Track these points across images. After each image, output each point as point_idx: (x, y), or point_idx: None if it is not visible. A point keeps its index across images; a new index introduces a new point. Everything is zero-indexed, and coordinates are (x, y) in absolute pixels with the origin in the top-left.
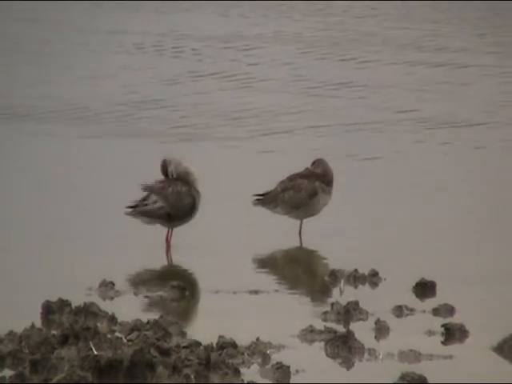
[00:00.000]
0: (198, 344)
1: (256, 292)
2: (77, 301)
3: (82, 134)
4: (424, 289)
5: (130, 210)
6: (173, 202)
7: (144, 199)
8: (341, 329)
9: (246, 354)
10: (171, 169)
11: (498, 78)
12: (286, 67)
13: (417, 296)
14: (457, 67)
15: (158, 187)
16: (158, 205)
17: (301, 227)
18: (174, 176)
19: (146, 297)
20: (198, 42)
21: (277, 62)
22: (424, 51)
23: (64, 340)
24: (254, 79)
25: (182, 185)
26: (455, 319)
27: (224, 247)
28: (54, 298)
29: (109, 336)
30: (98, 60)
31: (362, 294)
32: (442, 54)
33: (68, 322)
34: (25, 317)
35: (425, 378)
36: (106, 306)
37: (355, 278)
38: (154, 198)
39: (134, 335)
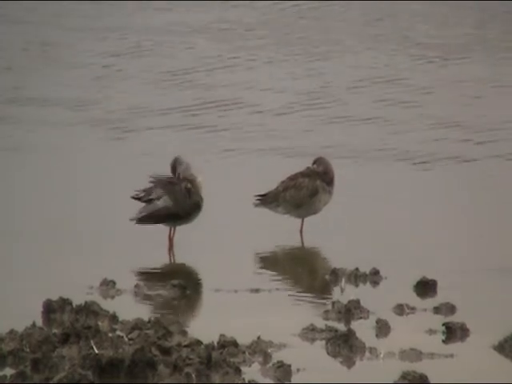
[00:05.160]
0: (199, 343)
1: (257, 290)
2: (78, 299)
3: (83, 132)
4: (425, 287)
5: (135, 217)
6: (180, 199)
7: (149, 192)
8: (342, 327)
9: (247, 353)
10: (180, 169)
11: None
12: None
13: (418, 295)
14: None
15: (166, 182)
16: (164, 203)
17: (302, 226)
18: (181, 177)
19: (147, 295)
20: None
21: None
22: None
23: (65, 339)
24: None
25: (189, 184)
26: (456, 318)
27: (225, 246)
28: (54, 297)
29: (110, 335)
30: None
31: (362, 293)
32: None
33: (69, 321)
34: (26, 316)
35: (426, 377)
36: (107, 304)
37: (356, 277)
38: (159, 191)
39: (134, 334)
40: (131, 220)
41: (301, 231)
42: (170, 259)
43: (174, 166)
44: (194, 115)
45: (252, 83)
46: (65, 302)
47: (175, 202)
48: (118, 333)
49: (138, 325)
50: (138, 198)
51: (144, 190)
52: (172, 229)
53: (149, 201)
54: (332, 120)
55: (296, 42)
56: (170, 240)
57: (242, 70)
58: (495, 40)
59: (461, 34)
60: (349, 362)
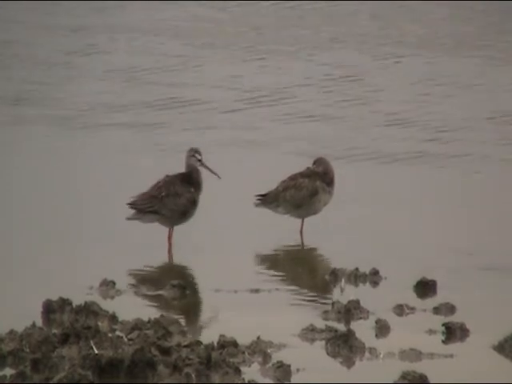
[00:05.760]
0: (199, 343)
1: (257, 291)
2: (78, 300)
3: (82, 132)
4: (425, 288)
5: (130, 216)
6: (170, 205)
7: (142, 200)
8: (342, 328)
9: (246, 353)
10: (197, 158)
11: None
12: None
13: (417, 295)
14: None
15: (153, 194)
16: (154, 215)
17: (302, 226)
18: (191, 163)
19: (147, 295)
20: None
21: None
22: None
23: (65, 339)
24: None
25: (181, 184)
26: (456, 318)
27: (225, 246)
28: (54, 297)
29: (109, 335)
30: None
31: (362, 293)
32: None
33: (69, 321)
34: (26, 316)
35: (426, 377)
36: (107, 304)
37: (356, 277)
38: (149, 202)
39: (134, 334)
40: (128, 219)
41: (301, 231)
42: (170, 259)
43: (195, 154)
44: (161, 114)
45: (215, 81)
46: (65, 302)
47: (165, 209)
48: (118, 333)
49: (137, 325)
50: (134, 205)
51: (139, 197)
52: (171, 229)
53: (142, 210)
54: (306, 118)
55: (263, 41)
56: (169, 240)
57: (206, 69)
58: (466, 39)
59: (433, 33)
60: (349, 362)
